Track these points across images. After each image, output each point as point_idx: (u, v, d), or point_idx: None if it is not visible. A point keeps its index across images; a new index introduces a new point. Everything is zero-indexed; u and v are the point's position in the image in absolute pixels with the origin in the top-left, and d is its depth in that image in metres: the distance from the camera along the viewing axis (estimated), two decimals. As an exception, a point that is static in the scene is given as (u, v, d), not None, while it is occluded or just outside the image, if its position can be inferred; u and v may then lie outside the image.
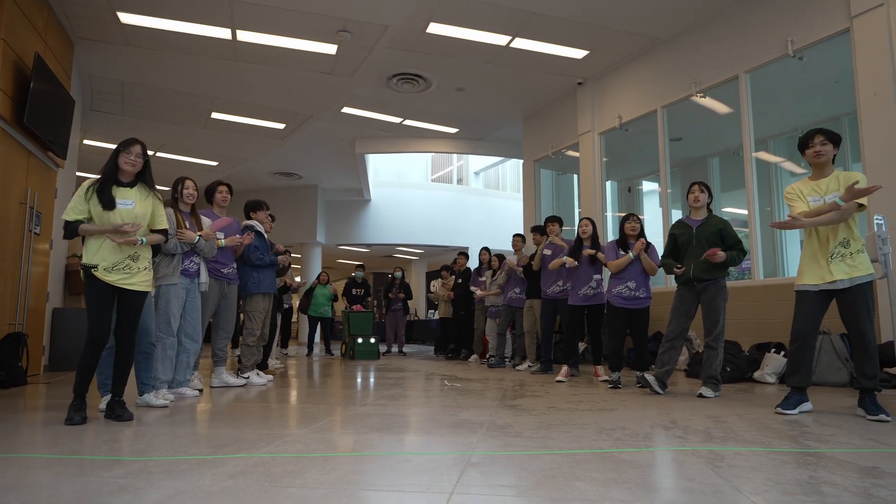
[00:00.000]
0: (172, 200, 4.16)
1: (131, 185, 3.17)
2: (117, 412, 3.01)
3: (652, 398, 3.98)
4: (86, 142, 10.15)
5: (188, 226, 4.05)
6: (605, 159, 8.14)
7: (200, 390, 4.26)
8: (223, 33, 6.62)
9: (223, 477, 1.89)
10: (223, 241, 4.35)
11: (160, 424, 2.94)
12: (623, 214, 5.43)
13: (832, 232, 3.34)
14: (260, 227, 5.17)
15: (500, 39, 6.97)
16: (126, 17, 6.27)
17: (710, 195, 4.29)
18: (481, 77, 8.06)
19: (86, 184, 3.11)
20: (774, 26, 5.90)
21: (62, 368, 6.17)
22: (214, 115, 9.18)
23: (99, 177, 3.14)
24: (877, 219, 4.38)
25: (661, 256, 4.46)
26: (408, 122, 10.03)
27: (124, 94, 8.37)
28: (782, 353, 5.12)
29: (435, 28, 6.68)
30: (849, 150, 7.12)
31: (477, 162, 17.54)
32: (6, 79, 4.93)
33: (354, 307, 9.21)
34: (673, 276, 4.41)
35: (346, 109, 9.29)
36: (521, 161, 9.99)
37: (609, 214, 8.41)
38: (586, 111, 8.20)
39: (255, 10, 6.11)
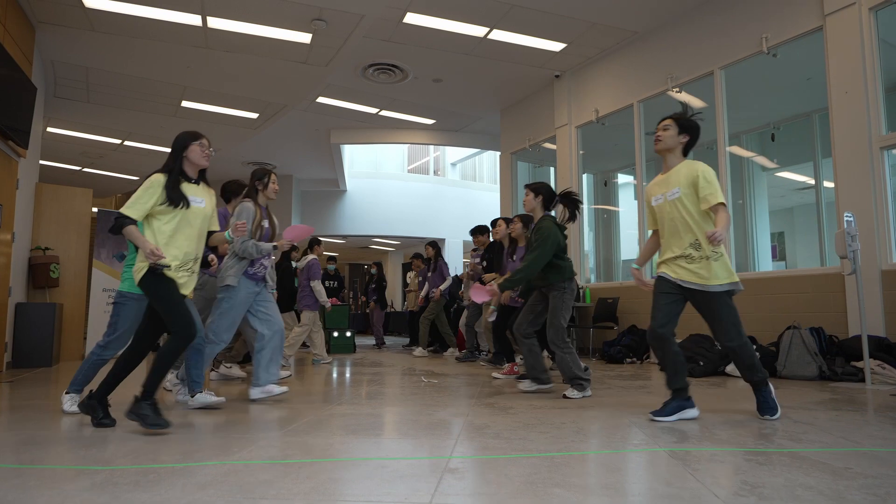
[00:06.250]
0: (253, 192, 3.81)
1: (196, 181, 2.99)
2: (100, 418, 2.85)
3: (627, 394, 4.01)
4: (50, 129, 9.81)
5: (265, 225, 3.75)
6: (581, 152, 8.16)
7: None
8: (193, 19, 6.41)
9: (193, 488, 1.82)
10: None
11: (127, 427, 2.84)
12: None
13: (673, 236, 2.99)
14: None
15: (478, 31, 6.90)
16: (90, 1, 6.03)
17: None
18: (458, 68, 7.99)
19: (157, 179, 2.85)
20: (749, 23, 5.96)
21: (26, 365, 5.97)
22: (185, 104, 8.93)
23: (165, 173, 2.90)
24: (846, 216, 4.46)
25: None
26: (384, 113, 9.90)
27: (90, 80, 8.08)
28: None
29: (412, 18, 6.58)
30: (819, 146, 7.26)
31: (454, 153, 17.44)
32: (-39, 64, 4.70)
33: (331, 300, 9.09)
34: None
35: (321, 99, 9.12)
36: (499, 153, 9.96)
37: (585, 207, 8.43)
38: (563, 104, 8.20)
39: (227, -4, 5.94)
